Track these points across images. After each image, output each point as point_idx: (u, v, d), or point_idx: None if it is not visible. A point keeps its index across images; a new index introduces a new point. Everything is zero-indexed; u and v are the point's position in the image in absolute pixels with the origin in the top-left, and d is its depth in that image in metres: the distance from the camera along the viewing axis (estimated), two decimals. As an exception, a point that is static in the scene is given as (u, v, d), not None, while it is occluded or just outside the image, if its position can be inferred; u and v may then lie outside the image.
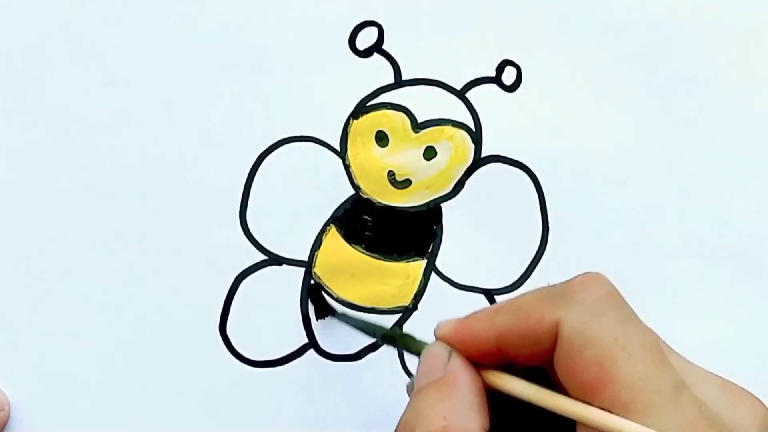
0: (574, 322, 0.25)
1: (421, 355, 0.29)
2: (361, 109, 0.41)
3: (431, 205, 0.42)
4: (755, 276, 0.42)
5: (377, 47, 0.41)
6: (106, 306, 0.40)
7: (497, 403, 0.27)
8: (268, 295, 0.41)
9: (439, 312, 0.41)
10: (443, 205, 0.42)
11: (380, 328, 0.35)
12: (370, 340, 0.40)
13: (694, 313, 0.42)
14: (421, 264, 0.41)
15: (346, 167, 0.41)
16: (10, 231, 0.41)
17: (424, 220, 0.42)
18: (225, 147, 0.41)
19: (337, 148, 0.41)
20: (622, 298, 0.26)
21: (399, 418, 0.27)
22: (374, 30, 0.41)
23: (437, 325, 0.29)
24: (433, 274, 0.41)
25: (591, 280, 0.26)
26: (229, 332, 0.41)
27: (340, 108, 0.41)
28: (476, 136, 0.41)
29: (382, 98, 0.41)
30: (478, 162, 0.41)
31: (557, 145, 0.42)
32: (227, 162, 0.41)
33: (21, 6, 0.41)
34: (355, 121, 0.41)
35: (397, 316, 0.41)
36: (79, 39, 0.41)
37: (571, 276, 0.27)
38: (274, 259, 0.41)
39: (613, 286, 0.26)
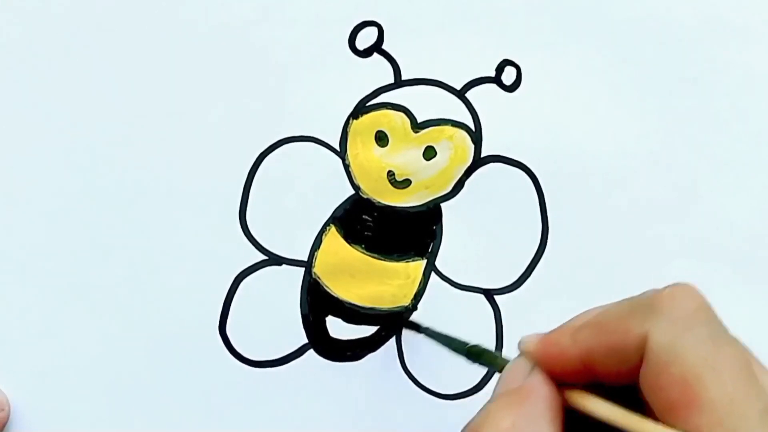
0: (662, 336, 0.24)
1: (503, 370, 0.28)
2: (361, 109, 0.41)
3: (431, 205, 0.42)
4: (754, 276, 0.42)
5: (377, 47, 0.41)
6: (106, 306, 0.40)
7: (581, 426, 0.26)
8: (267, 295, 0.41)
9: (439, 312, 0.41)
10: (443, 205, 0.42)
11: (464, 343, 0.34)
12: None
13: (694, 313, 0.42)
14: (421, 264, 0.41)
15: (346, 167, 0.41)
16: (10, 231, 0.41)
17: (424, 220, 0.42)
18: (225, 147, 0.41)
19: (337, 148, 0.41)
20: (714, 312, 0.25)
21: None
22: (374, 30, 0.41)
23: (521, 340, 0.27)
24: (432, 274, 0.41)
25: (681, 291, 0.25)
26: (228, 332, 0.40)
27: (340, 108, 0.41)
28: (476, 136, 0.41)
29: (382, 98, 0.41)
30: (478, 162, 0.41)
31: (557, 145, 0.42)
32: (227, 162, 0.41)
33: (21, 5, 0.41)
34: (354, 121, 0.41)
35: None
36: (79, 38, 0.41)
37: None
38: (274, 259, 0.41)
39: (704, 299, 0.25)
